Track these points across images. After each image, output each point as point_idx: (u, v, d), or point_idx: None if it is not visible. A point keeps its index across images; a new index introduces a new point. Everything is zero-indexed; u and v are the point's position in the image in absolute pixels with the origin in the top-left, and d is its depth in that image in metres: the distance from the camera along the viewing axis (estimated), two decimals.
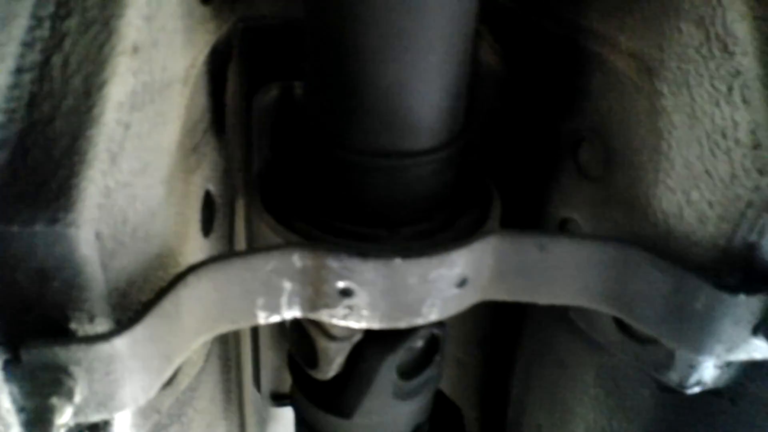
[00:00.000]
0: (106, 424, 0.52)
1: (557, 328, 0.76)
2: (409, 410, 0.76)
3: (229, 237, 0.78)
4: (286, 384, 1.07)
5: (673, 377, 0.63)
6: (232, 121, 0.73)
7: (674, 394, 0.64)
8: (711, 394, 0.63)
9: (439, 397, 0.83)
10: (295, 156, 0.68)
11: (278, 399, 1.07)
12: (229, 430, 0.90)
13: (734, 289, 0.54)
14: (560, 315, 0.74)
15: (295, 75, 0.76)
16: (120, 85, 0.45)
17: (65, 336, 0.46)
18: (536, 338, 0.82)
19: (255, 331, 0.99)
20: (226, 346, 0.82)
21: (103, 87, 0.44)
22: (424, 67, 0.56)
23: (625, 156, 0.63)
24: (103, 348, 0.45)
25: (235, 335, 0.91)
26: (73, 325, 0.47)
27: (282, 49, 0.76)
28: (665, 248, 0.59)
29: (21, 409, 0.46)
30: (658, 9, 0.57)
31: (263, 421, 1.13)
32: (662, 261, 0.57)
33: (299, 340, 0.72)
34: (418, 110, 0.57)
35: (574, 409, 0.77)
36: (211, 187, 0.67)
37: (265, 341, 1.01)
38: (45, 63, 0.45)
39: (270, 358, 1.03)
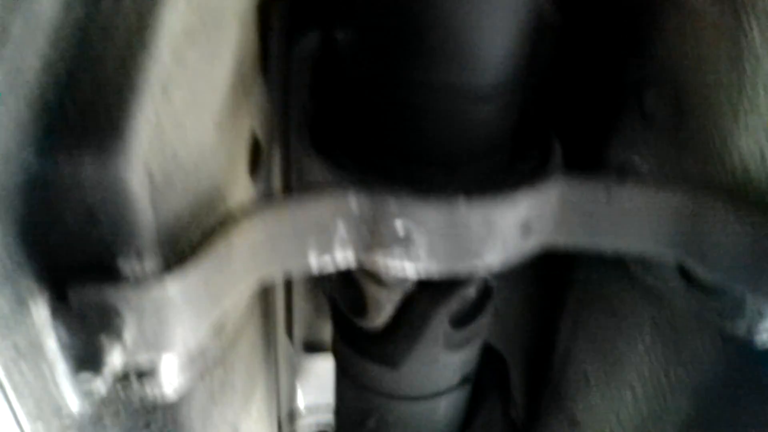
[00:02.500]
0: (155, 369, 0.51)
1: (612, 274, 0.74)
2: (459, 360, 0.74)
3: (270, 179, 0.76)
4: (319, 333, 1.06)
5: (740, 326, 0.60)
6: (276, 63, 0.71)
7: (737, 344, 0.62)
8: None
9: (484, 347, 0.81)
10: (343, 97, 0.65)
11: (311, 349, 1.07)
12: (267, 377, 0.89)
13: None
14: (616, 261, 0.71)
15: (338, 19, 0.73)
16: (174, 14, 0.43)
17: (113, 274, 0.45)
18: (587, 284, 0.79)
19: (288, 280, 0.98)
20: (266, 292, 0.80)
21: (157, 15, 0.42)
22: (490, 4, 0.53)
23: (700, 99, 0.60)
24: (154, 289, 0.44)
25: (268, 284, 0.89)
26: (120, 263, 0.45)
27: None
28: (742, 194, 0.56)
29: (70, 350, 0.45)
30: None
31: (294, 370, 1.13)
32: (741, 207, 0.54)
33: (345, 288, 0.70)
34: (485, 47, 0.54)
35: (627, 359, 0.75)
36: (257, 128, 0.65)
37: (298, 290, 1.00)
38: None
39: (303, 307, 1.02)
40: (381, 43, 0.57)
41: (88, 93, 0.41)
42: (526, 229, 0.56)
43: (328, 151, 0.60)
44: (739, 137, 0.56)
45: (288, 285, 0.99)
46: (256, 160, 0.66)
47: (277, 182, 0.83)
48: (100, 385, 0.43)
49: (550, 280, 0.86)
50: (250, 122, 0.63)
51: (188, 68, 0.45)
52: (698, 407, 0.68)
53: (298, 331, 1.05)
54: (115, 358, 0.43)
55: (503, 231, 0.55)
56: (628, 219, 0.58)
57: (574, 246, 0.60)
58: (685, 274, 0.64)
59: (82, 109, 0.41)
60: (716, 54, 0.57)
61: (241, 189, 0.61)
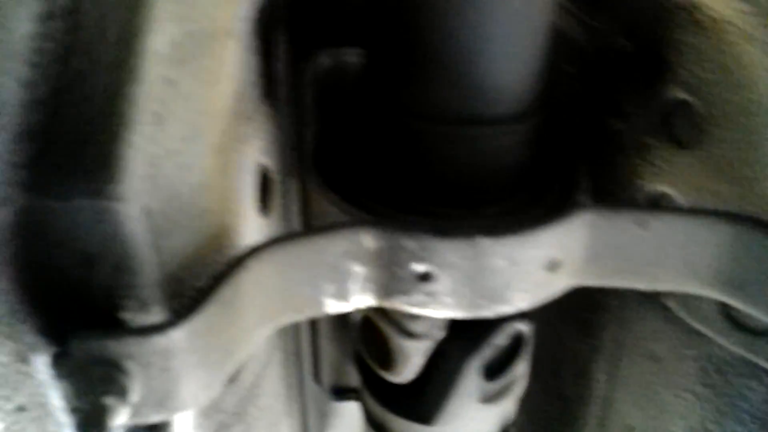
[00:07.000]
0: (167, 424, 0.48)
1: (646, 314, 0.69)
2: (495, 415, 0.70)
3: (287, 218, 0.73)
4: (348, 377, 1.03)
5: None
6: (283, 91, 0.68)
7: None
8: None
9: None
10: (355, 128, 0.63)
11: (340, 393, 1.03)
12: (291, 426, 0.86)
13: None
14: (650, 300, 0.67)
15: (346, 41, 0.70)
16: (161, 34, 0.40)
17: (116, 326, 0.42)
18: (621, 326, 0.74)
19: (313, 322, 0.95)
20: (287, 338, 0.77)
21: (142, 35, 0.39)
22: (504, 25, 0.51)
23: (729, 118, 0.56)
24: (160, 340, 0.41)
25: (294, 327, 0.86)
26: (124, 315, 0.42)
27: (332, 15, 0.71)
28: None
29: (73, 410, 0.42)
30: None
31: (324, 416, 1.09)
32: None
33: (370, 339, 0.67)
34: (500, 73, 0.52)
35: (674, 409, 0.69)
36: (266, 161, 0.62)
37: (324, 333, 0.96)
38: (76, 8, 0.39)
39: (330, 351, 0.99)
40: (391, 69, 0.55)
41: (75, 125, 0.38)
42: (553, 267, 0.52)
43: (338, 186, 0.58)
44: None
45: (313, 328, 0.95)
46: (268, 196, 0.63)
47: (296, 221, 0.80)
48: None
49: (581, 323, 0.81)
50: (255, 154, 0.59)
51: (183, 94, 0.42)
52: None
53: (326, 376, 1.02)
54: (121, 418, 0.40)
55: (529, 270, 0.51)
56: (665, 253, 0.53)
57: (609, 284, 0.56)
58: (728, 314, 0.60)
59: (70, 145, 0.38)
60: (746, 68, 0.53)
61: (251, 228, 0.58)
